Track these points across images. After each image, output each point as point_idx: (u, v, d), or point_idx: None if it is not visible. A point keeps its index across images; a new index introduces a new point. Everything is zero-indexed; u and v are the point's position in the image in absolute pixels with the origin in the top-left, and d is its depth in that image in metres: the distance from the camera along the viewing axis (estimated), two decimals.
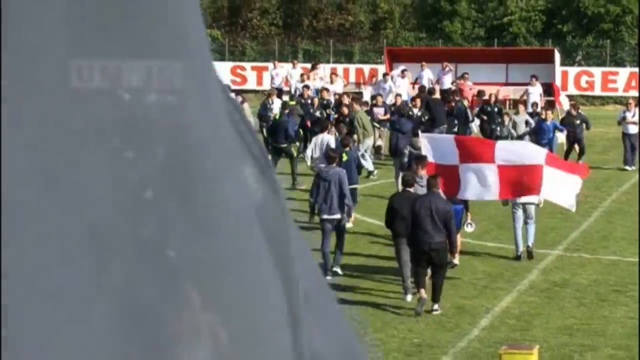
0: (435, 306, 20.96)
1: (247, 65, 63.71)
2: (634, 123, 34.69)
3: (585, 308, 21.18)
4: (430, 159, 24.21)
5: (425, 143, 25.25)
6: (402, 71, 52.21)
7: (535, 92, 45.83)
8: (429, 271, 20.96)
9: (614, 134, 39.65)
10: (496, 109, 38.57)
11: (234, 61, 64.81)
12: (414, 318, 20.45)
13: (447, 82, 50.97)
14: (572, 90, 59.93)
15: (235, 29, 68.47)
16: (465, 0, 65.73)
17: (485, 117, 38.99)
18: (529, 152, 23.98)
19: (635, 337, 19.17)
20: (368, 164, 35.94)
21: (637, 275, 23.37)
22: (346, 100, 39.64)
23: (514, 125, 35.64)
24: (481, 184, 23.09)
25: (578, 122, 34.40)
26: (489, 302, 21.56)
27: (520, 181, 23.26)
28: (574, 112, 35.55)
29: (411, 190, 22.08)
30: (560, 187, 23.14)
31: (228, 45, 66.74)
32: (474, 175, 23.33)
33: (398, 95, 43.14)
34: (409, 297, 21.69)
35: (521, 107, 36.57)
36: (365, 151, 36.14)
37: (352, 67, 62.51)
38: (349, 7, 67.71)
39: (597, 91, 61.10)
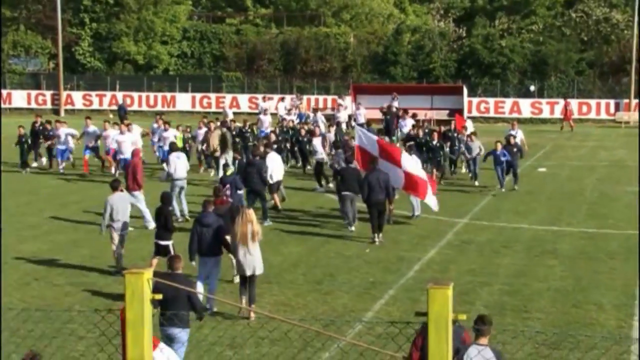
0: (380, 236, 22.87)
1: (259, 96, 63.65)
2: (513, 137, 34.67)
3: (483, 258, 21.26)
4: (362, 145, 25.43)
5: (359, 134, 26.05)
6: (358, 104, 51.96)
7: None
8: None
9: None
10: (456, 134, 35.04)
11: (250, 93, 64.86)
12: (369, 263, 20.53)
13: (395, 106, 50.86)
14: (475, 112, 60.43)
15: (251, 72, 68.51)
16: (404, 53, 65.99)
17: (448, 142, 35.02)
18: (419, 170, 24.81)
19: (518, 278, 19.34)
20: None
21: (524, 237, 23.52)
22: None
23: (468, 149, 32.63)
24: (392, 176, 23.49)
25: (515, 150, 31.69)
26: (420, 254, 21.62)
27: (415, 185, 24.17)
28: (512, 142, 31.89)
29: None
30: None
31: (246, 82, 66.84)
32: (387, 168, 23.80)
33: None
34: (353, 228, 24.01)
35: (473, 136, 33.33)
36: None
37: (329, 98, 62.73)
38: (326, 58, 67.98)
39: (492, 114, 61.41)
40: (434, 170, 32.00)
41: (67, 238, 23.44)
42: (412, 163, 24.70)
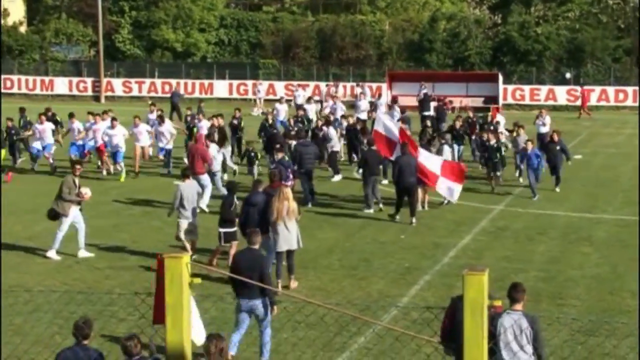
0: (414, 219, 23.24)
1: (295, 82, 63.74)
2: (544, 125, 34.37)
3: (518, 245, 21.17)
4: (381, 130, 25.77)
5: (381, 120, 26.36)
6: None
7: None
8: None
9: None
10: (492, 127, 32.32)
11: (287, 80, 64.84)
12: (404, 249, 20.51)
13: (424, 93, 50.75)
14: (510, 100, 60.07)
15: (287, 59, 68.46)
16: (439, 41, 65.61)
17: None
18: (434, 162, 24.65)
19: (553, 265, 19.23)
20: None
21: (559, 224, 23.36)
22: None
23: (515, 144, 30.12)
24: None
25: (558, 148, 28.55)
26: (455, 240, 21.58)
27: (425, 175, 24.21)
28: (556, 139, 28.76)
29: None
30: (448, 187, 24.69)
31: (282, 70, 66.84)
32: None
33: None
34: (371, 210, 24.75)
35: (521, 130, 30.29)
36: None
37: (366, 85, 62.38)
38: (362, 45, 67.75)
39: (527, 101, 60.84)
40: (492, 174, 28.52)
41: (108, 223, 23.61)
42: (426, 155, 24.77)
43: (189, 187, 19.41)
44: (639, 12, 61.96)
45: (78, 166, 20.77)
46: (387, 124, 25.94)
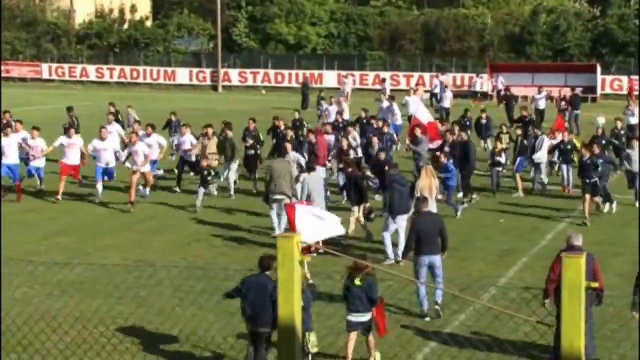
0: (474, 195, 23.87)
1: (400, 73, 63.47)
2: (633, 115, 33.36)
3: (615, 229, 20.74)
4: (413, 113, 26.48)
5: (415, 106, 26.25)
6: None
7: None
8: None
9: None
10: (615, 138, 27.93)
11: (392, 71, 64.61)
12: (503, 232, 20.27)
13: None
14: (608, 90, 58.69)
15: (393, 51, 68.21)
16: (539, 33, 64.54)
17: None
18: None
19: None
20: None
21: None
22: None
23: (628, 159, 23.40)
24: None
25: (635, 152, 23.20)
26: (553, 224, 21.23)
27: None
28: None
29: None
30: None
31: (388, 61, 66.66)
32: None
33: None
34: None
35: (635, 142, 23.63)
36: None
37: (466, 75, 62.00)
38: (465, 37, 67.12)
39: (624, 91, 59.30)
40: (588, 196, 21.53)
41: (225, 204, 23.94)
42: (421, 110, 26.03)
43: (314, 178, 19.03)
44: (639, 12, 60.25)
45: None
46: (422, 112, 25.69)
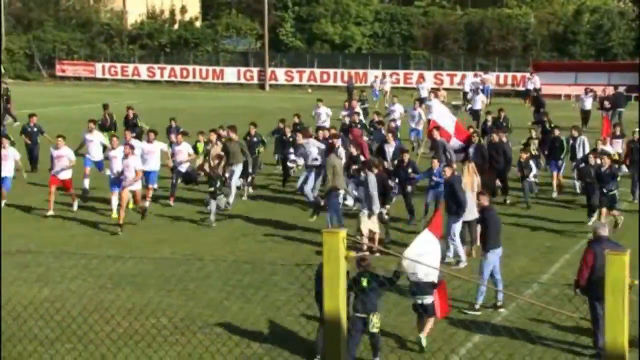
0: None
1: (444, 72, 63.16)
2: None
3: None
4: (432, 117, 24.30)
5: (436, 108, 24.83)
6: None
7: None
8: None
9: None
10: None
11: (436, 70, 64.39)
12: (546, 229, 20.05)
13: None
14: None
15: (437, 50, 67.92)
16: (583, 33, 63.89)
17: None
18: (448, 121, 23.49)
19: None
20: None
21: None
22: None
23: None
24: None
25: None
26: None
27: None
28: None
29: None
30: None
31: (432, 60, 66.41)
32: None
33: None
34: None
35: None
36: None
37: (510, 75, 61.62)
38: (508, 37, 66.62)
39: None
40: (604, 211, 19.68)
41: (272, 200, 24.02)
42: (441, 112, 24.09)
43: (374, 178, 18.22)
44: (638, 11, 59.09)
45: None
46: (442, 114, 24.23)
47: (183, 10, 77.74)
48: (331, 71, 66.82)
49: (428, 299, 12.32)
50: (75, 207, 22.25)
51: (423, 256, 12.07)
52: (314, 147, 22.32)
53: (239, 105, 47.36)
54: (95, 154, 24.49)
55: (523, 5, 70.45)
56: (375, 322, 11.37)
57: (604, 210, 19.53)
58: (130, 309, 13.16)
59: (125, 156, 20.57)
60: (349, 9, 70.49)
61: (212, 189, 20.71)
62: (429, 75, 63.53)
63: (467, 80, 53.19)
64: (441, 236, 13.46)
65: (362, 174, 18.39)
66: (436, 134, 22.96)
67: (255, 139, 25.43)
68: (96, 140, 24.74)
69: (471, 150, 22.83)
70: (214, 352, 11.31)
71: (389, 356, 11.93)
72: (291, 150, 25.18)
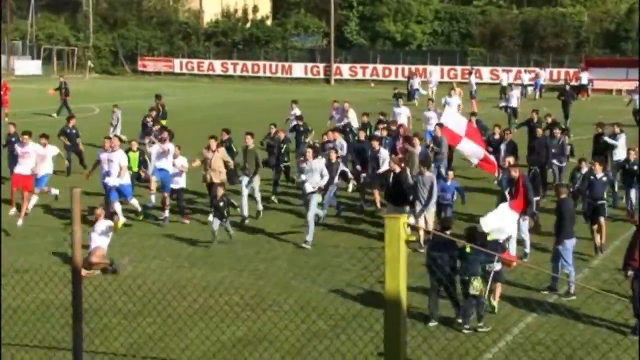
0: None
1: (499, 68, 62.42)
2: None
3: None
4: (443, 122, 21.87)
5: (448, 113, 22.71)
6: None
7: None
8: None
9: None
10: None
11: (492, 66, 63.70)
12: None
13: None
14: None
15: (493, 47, 67.19)
16: (636, 30, 62.67)
17: None
18: (459, 124, 21.20)
19: None
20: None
21: None
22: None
23: None
24: (474, 151, 20.76)
25: None
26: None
27: (489, 163, 20.77)
28: None
29: None
30: (472, 150, 20.96)
31: (488, 57, 65.73)
32: (469, 146, 20.85)
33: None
34: None
35: None
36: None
37: (563, 70, 60.70)
38: (562, 34, 65.65)
39: None
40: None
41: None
42: (453, 116, 21.98)
43: (427, 178, 17.29)
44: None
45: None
46: (452, 118, 22.00)
47: (255, 9, 78.15)
48: (392, 67, 66.65)
49: (497, 266, 12.65)
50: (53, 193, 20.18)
51: (501, 220, 13.45)
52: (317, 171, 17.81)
53: (305, 98, 47.42)
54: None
55: (577, 4, 69.31)
56: (475, 285, 12.02)
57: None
58: (205, 287, 13.31)
59: (105, 149, 18.93)
60: (411, 8, 70.17)
61: (222, 212, 16.95)
62: (485, 71, 62.89)
63: (504, 75, 52.51)
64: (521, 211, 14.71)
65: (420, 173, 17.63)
66: (438, 131, 22.06)
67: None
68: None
69: (503, 147, 22.01)
70: (281, 328, 11.39)
71: (448, 331, 11.88)
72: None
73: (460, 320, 12.25)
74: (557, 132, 22.64)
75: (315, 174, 17.49)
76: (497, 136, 23.11)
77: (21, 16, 78.39)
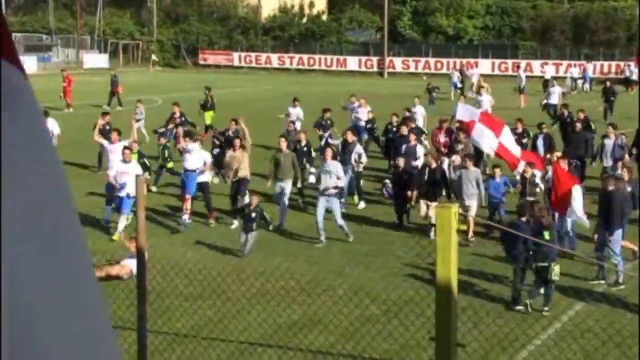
0: None
1: (550, 62, 61.48)
2: None
3: None
4: (458, 117, 21.11)
5: (460, 108, 21.76)
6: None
7: None
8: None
9: None
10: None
11: (542, 59, 62.81)
12: None
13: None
14: None
15: (544, 41, 66.25)
16: None
17: None
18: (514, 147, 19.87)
19: None
20: None
21: None
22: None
23: None
24: (487, 140, 19.71)
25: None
26: None
27: (505, 154, 19.52)
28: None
29: None
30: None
31: (539, 50, 64.83)
32: (482, 133, 19.80)
33: None
34: None
35: None
36: None
37: (613, 64, 59.58)
38: (613, 28, 64.50)
39: None
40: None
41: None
42: (508, 138, 20.01)
43: (469, 173, 17.14)
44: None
45: None
46: (465, 111, 21.18)
47: (311, 5, 78.20)
48: (444, 60, 66.10)
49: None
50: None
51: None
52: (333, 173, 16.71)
53: (359, 90, 47.33)
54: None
55: None
56: (556, 271, 12.13)
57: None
58: (262, 272, 13.42)
59: (113, 142, 18.61)
60: (462, 3, 69.58)
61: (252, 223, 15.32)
62: (536, 64, 61.98)
63: (547, 68, 51.45)
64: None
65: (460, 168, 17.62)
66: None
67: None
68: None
69: (540, 141, 21.45)
70: (336, 313, 11.43)
71: (503, 314, 11.80)
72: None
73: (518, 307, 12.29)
74: (611, 130, 21.43)
75: (331, 176, 16.38)
76: (519, 130, 22.09)
77: (90, 12, 79.59)
